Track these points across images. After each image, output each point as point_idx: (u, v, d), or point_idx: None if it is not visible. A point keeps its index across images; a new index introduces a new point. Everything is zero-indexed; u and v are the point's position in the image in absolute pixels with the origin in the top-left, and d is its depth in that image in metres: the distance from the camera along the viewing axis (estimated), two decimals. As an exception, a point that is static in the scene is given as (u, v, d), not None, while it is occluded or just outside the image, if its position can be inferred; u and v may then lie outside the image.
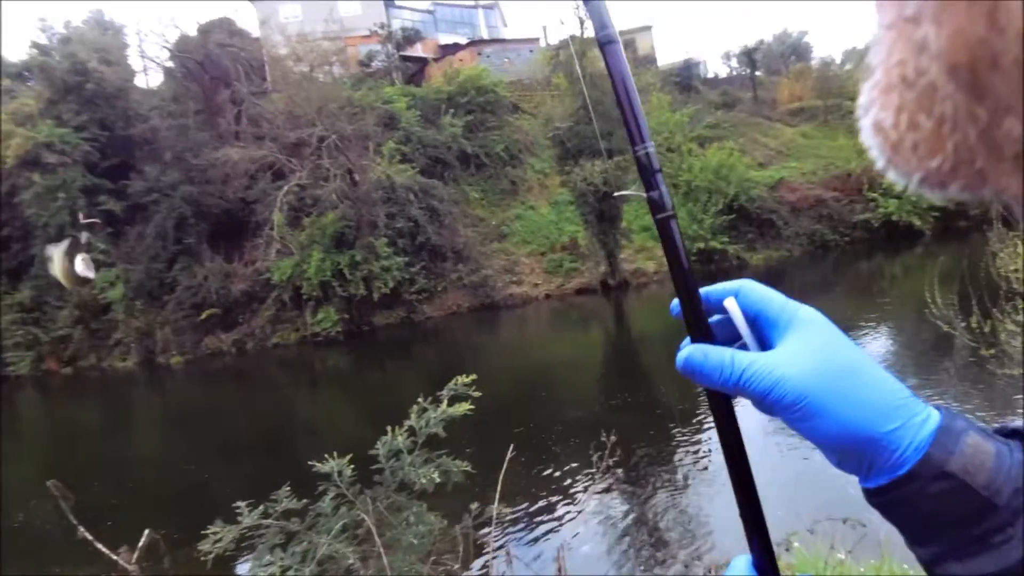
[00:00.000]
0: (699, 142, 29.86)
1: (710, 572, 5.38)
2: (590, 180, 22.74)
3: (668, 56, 41.39)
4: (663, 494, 7.85)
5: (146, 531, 3.25)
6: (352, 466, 3.15)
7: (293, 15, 30.36)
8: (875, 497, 0.44)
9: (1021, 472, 0.40)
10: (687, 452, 8.99)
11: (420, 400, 3.33)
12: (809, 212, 27.92)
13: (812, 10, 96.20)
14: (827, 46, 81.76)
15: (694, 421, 10.06)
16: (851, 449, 0.44)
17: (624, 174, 23.86)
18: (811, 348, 0.46)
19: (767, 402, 0.46)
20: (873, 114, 0.26)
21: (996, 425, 0.44)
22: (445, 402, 3.31)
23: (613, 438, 4.29)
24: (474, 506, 3.65)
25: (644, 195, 0.55)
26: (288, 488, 3.04)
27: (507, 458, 3.77)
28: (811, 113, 34.76)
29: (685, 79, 35.16)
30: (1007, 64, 0.18)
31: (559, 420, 10.92)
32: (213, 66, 26.97)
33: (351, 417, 14.19)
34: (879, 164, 0.27)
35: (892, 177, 0.27)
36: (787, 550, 4.00)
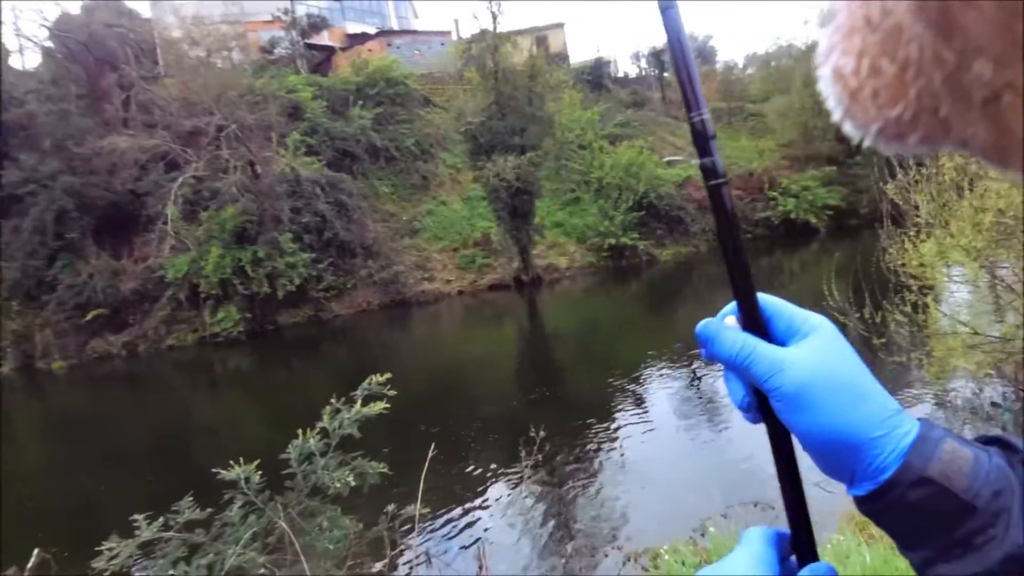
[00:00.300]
0: (610, 140, 30.97)
1: (630, 560, 5.47)
2: (503, 176, 23.11)
3: (580, 54, 43.03)
4: (580, 487, 8.04)
5: (35, 551, 3.15)
6: (260, 472, 3.08)
7: (189, -4, 29.47)
8: (864, 505, 0.48)
9: (999, 476, 0.43)
10: (602, 445, 9.24)
11: (333, 401, 3.31)
12: None
13: (716, 16, 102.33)
14: (730, 51, 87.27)
15: (608, 415, 10.37)
16: (836, 452, 0.48)
17: (536, 170, 24.54)
18: (817, 350, 0.50)
19: (767, 386, 0.50)
20: (833, 60, 0.25)
21: (977, 435, 0.48)
22: (359, 402, 3.33)
23: (543, 433, 4.43)
24: (390, 507, 3.60)
25: (695, 161, 0.56)
26: (191, 498, 2.94)
27: (428, 457, 3.76)
28: (715, 115, 36.27)
29: (596, 77, 36.21)
30: None
31: (476, 417, 11.02)
32: (98, 47, 25.62)
33: (256, 421, 13.89)
34: (836, 115, 0.26)
35: (848, 129, 0.26)
36: (703, 535, 4.13)
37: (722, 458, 8.41)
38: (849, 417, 0.47)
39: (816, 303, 13.71)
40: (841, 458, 0.48)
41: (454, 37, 35.04)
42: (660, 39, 52.01)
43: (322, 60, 33.88)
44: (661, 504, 7.17)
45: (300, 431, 3.22)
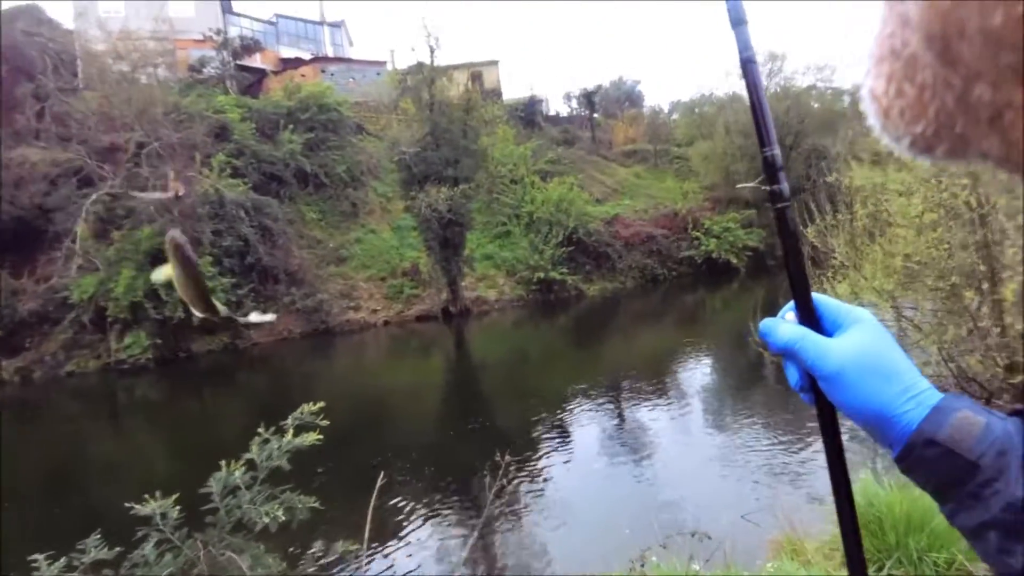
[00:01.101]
0: (541, 176, 31.82)
1: None
2: (435, 206, 23.35)
3: (514, 92, 44.32)
4: (514, 522, 7.94)
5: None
6: (178, 507, 2.94)
7: (115, 11, 28.72)
8: (899, 464, 0.57)
9: (1006, 439, 0.51)
10: (535, 479, 9.16)
11: (261, 430, 3.21)
12: (641, 247, 30.70)
13: (644, 63, 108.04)
14: (657, 96, 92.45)
15: (538, 448, 10.32)
16: (872, 423, 0.58)
17: (468, 202, 24.91)
18: (855, 339, 0.61)
19: (814, 370, 0.62)
20: (869, 82, 0.28)
21: (1011, 408, 0.56)
22: (291, 432, 3.22)
23: (508, 457, 4.41)
24: (316, 544, 3.56)
25: (767, 187, 0.68)
26: (98, 536, 2.76)
27: (377, 485, 3.72)
28: (643, 156, 38.38)
29: (529, 115, 37.21)
30: (971, 32, 0.20)
31: (404, 448, 10.79)
32: (15, 55, 24.51)
33: (166, 454, 13.24)
34: (875, 129, 0.29)
35: (886, 141, 0.29)
36: (642, 565, 4.16)
37: (656, 488, 8.56)
38: (880, 395, 0.57)
39: (736, 338, 14.34)
40: (878, 427, 0.58)
41: (389, 67, 35.34)
42: (591, 81, 54.55)
43: (253, 82, 33.49)
44: (599, 537, 7.12)
45: (224, 463, 3.09)
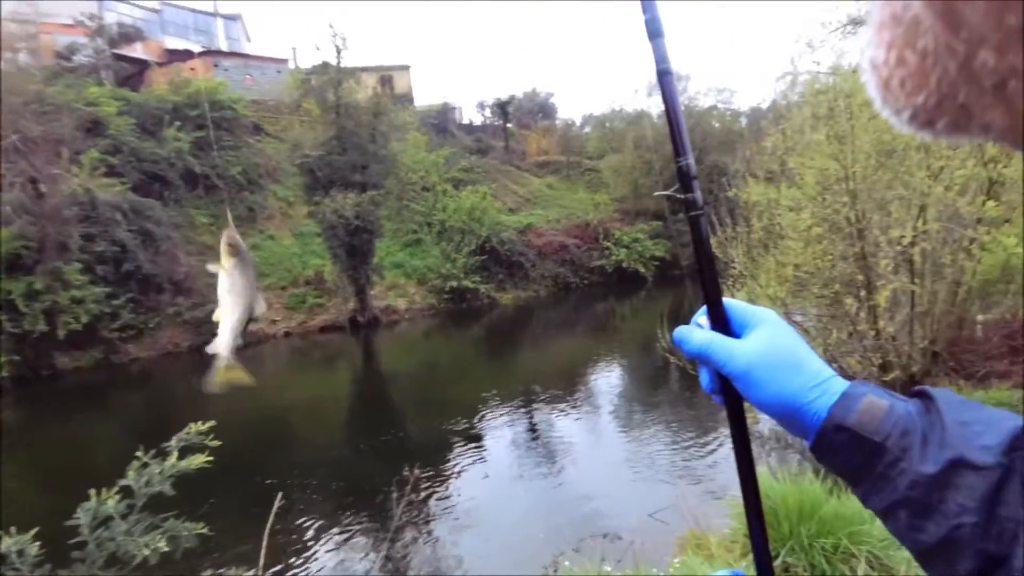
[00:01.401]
0: (454, 184, 31.46)
1: None
2: (341, 213, 22.34)
3: (426, 98, 43.74)
4: (427, 533, 7.90)
5: None
6: (38, 543, 2.64)
7: (-34, -12, 25.65)
8: (814, 454, 0.59)
9: (907, 419, 0.54)
10: (447, 489, 9.16)
11: (140, 454, 2.92)
12: (553, 256, 30.96)
13: (558, 76, 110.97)
14: (569, 109, 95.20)
15: (450, 458, 10.34)
16: (784, 416, 0.61)
17: (377, 208, 24.05)
18: (761, 338, 0.63)
19: (726, 370, 0.64)
20: (869, 53, 0.27)
21: (910, 391, 0.58)
22: (175, 454, 2.99)
23: (417, 471, 4.34)
24: (206, 574, 3.37)
25: (681, 196, 0.70)
26: None
27: (274, 509, 3.58)
28: (555, 167, 38.73)
29: (442, 122, 36.71)
30: None
31: (310, 466, 10.41)
32: None
33: (28, 485, 11.34)
34: (876, 103, 0.28)
35: (886, 115, 0.28)
36: (556, 570, 4.30)
37: (568, 493, 8.64)
38: (787, 388, 0.60)
39: (644, 344, 14.73)
40: (790, 419, 0.61)
41: (291, 66, 33.95)
42: (505, 91, 54.90)
43: (133, 74, 30.80)
44: (513, 544, 7.21)
45: (94, 492, 2.76)
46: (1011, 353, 8.48)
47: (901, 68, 0.25)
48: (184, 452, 2.99)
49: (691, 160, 0.70)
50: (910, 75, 0.25)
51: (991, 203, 7.58)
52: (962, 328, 9.30)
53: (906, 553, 2.44)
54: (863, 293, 8.27)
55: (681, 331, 0.69)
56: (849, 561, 3.85)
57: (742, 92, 47.53)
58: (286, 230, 27.23)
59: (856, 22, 19.45)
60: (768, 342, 0.63)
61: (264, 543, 3.39)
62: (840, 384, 0.59)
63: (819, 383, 0.59)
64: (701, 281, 0.69)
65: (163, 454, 2.97)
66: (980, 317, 9.50)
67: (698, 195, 0.70)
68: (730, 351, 0.64)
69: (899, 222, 7.97)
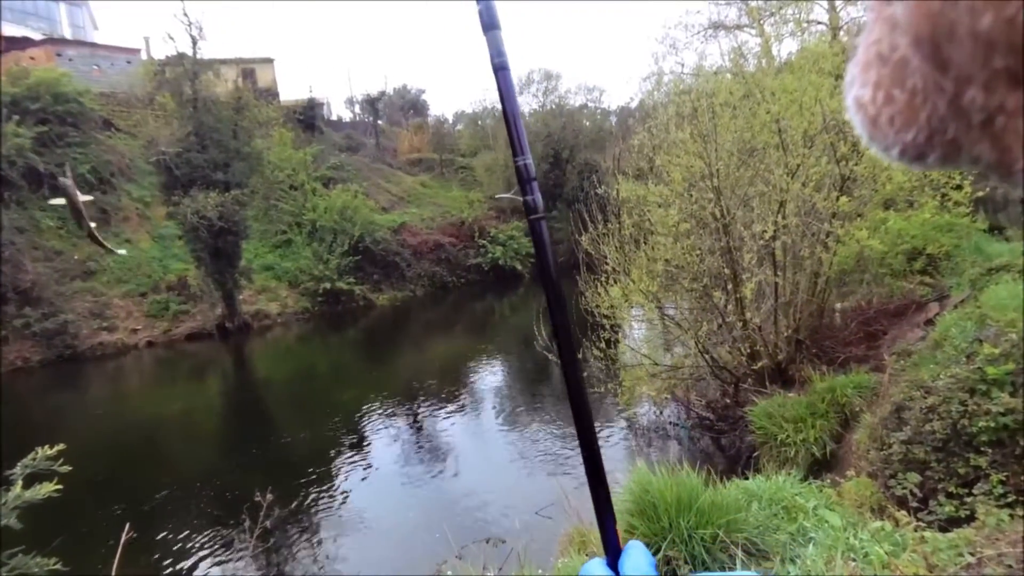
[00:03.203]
0: (323, 182, 31.52)
1: None
2: (203, 214, 22.02)
3: (291, 92, 43.19)
4: (306, 547, 7.97)
5: None
6: None
7: None
8: None
9: None
10: (326, 500, 9.27)
11: None
12: (429, 255, 31.75)
13: (429, 72, 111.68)
14: (441, 106, 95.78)
15: (329, 467, 10.43)
16: None
17: (242, 209, 23.83)
18: None
19: None
20: (854, 91, 0.28)
21: None
22: (19, 484, 2.81)
23: (270, 496, 4.21)
24: None
25: (520, 198, 0.69)
26: None
27: (122, 541, 3.18)
28: (428, 164, 39.55)
29: (309, 118, 36.50)
30: (962, 35, 0.21)
31: (177, 487, 10.19)
32: None
33: None
34: (863, 139, 0.29)
35: (875, 151, 0.29)
36: None
37: (450, 499, 8.84)
38: None
39: (524, 342, 15.25)
40: None
41: (144, 56, 32.41)
42: (375, 87, 55.07)
43: (-39, 62, 28.65)
44: (394, 553, 7.24)
45: None
46: (867, 338, 8.92)
47: (889, 106, 0.26)
48: (29, 481, 2.83)
49: (529, 160, 0.67)
50: (899, 112, 0.26)
51: (844, 199, 7.89)
52: (822, 317, 9.55)
53: (781, 536, 4.03)
54: (730, 286, 8.63)
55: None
56: (728, 549, 3.95)
57: (611, 91, 50.79)
58: (144, 232, 26.41)
59: (716, 26, 21.55)
60: None
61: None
62: None
63: None
64: (544, 289, 0.68)
65: (6, 483, 2.80)
66: (838, 305, 9.86)
67: (538, 197, 0.67)
68: None
69: (761, 217, 8.29)
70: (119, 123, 28.76)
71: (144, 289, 24.54)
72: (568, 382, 0.72)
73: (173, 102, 25.19)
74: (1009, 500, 4.09)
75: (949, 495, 4.52)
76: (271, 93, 35.50)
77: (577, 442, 0.73)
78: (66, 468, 2.91)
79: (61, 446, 2.95)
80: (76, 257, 23.89)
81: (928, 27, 0.23)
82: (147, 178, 26.99)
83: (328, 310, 27.45)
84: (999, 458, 4.42)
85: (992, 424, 4.46)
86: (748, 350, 8.84)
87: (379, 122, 41.61)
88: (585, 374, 9.73)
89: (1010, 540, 2.85)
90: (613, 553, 0.70)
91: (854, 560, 3.06)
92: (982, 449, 4.52)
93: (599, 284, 10.03)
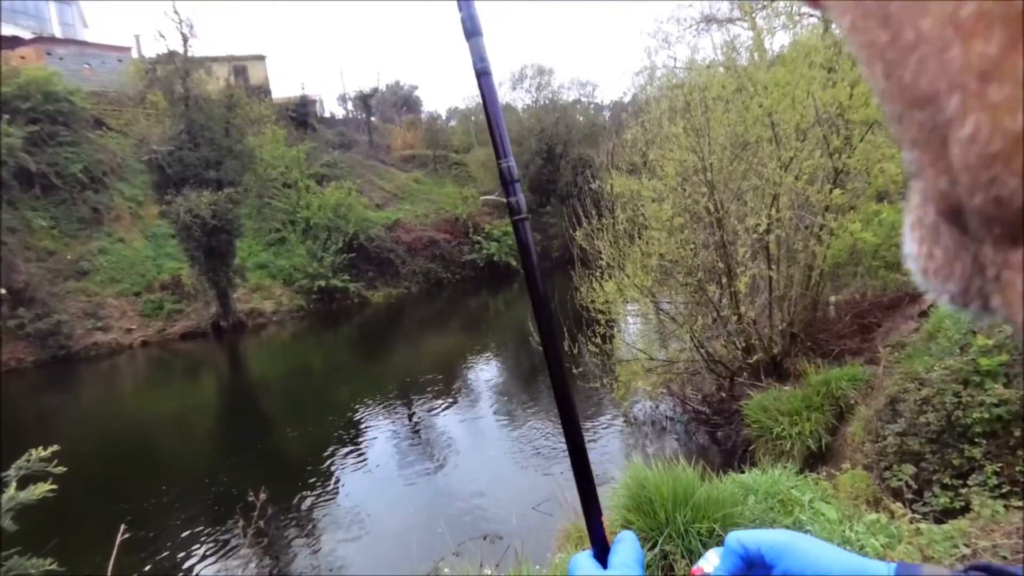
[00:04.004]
0: (317, 180, 31.44)
1: None
2: (196, 212, 22.01)
3: (283, 90, 43.23)
4: (303, 546, 7.91)
5: None
6: None
7: None
8: None
9: None
10: (323, 499, 9.23)
11: None
12: (424, 252, 31.73)
13: (421, 68, 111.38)
14: (434, 102, 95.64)
15: (326, 466, 10.40)
16: None
17: (236, 207, 23.80)
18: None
19: None
20: (907, 245, 0.31)
21: (969, 564, 0.58)
22: (13, 485, 2.81)
23: (263, 496, 4.24)
24: None
25: (504, 200, 0.69)
26: None
27: (117, 541, 3.18)
28: (422, 161, 39.46)
29: (301, 115, 36.33)
30: (968, 210, 0.23)
31: (174, 487, 10.19)
32: None
33: None
34: (920, 286, 0.31)
35: (931, 297, 0.31)
36: None
37: (446, 496, 8.86)
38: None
39: (519, 338, 15.68)
40: None
41: (135, 55, 32.23)
42: (367, 84, 54.96)
43: (-50, 62, 28.40)
44: (391, 553, 7.19)
45: None
46: (861, 331, 9.07)
47: (932, 261, 0.29)
48: (23, 482, 2.85)
49: (512, 162, 0.68)
50: (940, 267, 0.28)
51: (837, 192, 7.95)
52: (816, 310, 9.65)
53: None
54: (724, 280, 8.70)
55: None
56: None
57: (604, 86, 50.78)
58: (137, 232, 26.34)
59: (708, 19, 21.48)
60: None
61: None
62: (890, 568, 0.58)
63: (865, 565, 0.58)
64: (528, 285, 0.69)
65: (1, 485, 2.82)
66: (832, 298, 9.91)
67: (521, 198, 0.69)
68: None
69: (754, 211, 8.32)
70: (110, 122, 28.63)
71: (138, 288, 24.49)
72: (553, 379, 0.72)
73: (164, 100, 25.17)
74: (1004, 491, 4.11)
75: (944, 486, 4.54)
76: (263, 90, 35.40)
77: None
78: (60, 469, 2.91)
79: (55, 447, 2.95)
80: (69, 257, 23.82)
81: (944, 203, 0.25)
82: (139, 177, 26.90)
83: (323, 308, 27.41)
84: (993, 449, 4.44)
85: (986, 415, 4.48)
86: (743, 344, 8.84)
87: (372, 119, 41.46)
88: (580, 370, 9.89)
89: (1005, 531, 2.86)
90: (600, 545, 0.70)
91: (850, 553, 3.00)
92: (976, 440, 4.54)
93: (594, 279, 10.00)
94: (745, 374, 8.92)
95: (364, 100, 40.83)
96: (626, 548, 0.68)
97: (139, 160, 25.33)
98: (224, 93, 26.26)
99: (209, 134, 25.05)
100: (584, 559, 0.70)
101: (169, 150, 23.88)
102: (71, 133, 26.00)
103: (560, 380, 0.72)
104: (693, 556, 3.94)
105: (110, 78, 30.24)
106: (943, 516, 4.10)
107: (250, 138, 27.48)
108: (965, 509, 4.01)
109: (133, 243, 25.98)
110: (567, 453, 0.73)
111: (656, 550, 3.98)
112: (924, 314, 8.01)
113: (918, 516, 3.91)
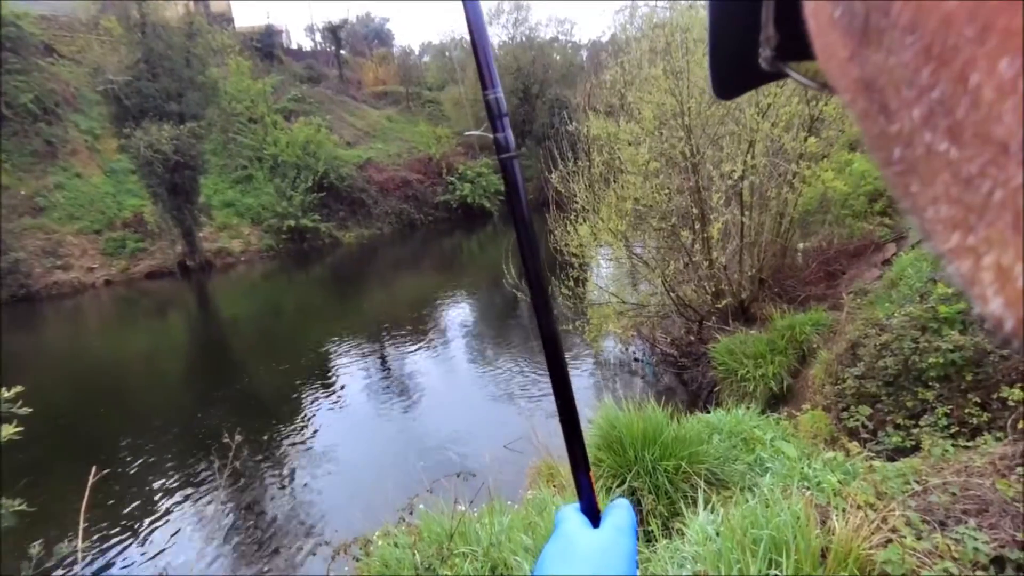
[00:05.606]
0: (284, 115, 30.65)
1: (340, 553, 5.07)
2: (157, 147, 21.31)
3: (247, 19, 41.43)
4: (278, 487, 7.90)
5: None
6: None
7: None
8: None
9: None
10: (296, 439, 9.23)
11: None
12: (396, 193, 31.35)
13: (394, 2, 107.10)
14: (407, 36, 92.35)
15: (298, 406, 10.42)
16: None
17: (199, 142, 23.14)
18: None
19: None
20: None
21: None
22: None
23: (238, 437, 4.09)
24: (36, 547, 2.89)
25: (490, 135, 0.63)
26: None
27: (89, 483, 3.08)
28: (394, 98, 38.53)
29: (267, 46, 35.08)
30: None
31: (146, 427, 10.09)
32: None
33: None
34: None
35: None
36: (411, 512, 4.20)
37: (419, 434, 8.94)
38: None
39: (493, 280, 15.32)
40: None
41: (86, -24, 30.61)
42: (336, 15, 52.71)
43: None
44: (366, 490, 7.21)
45: None
46: (827, 278, 9.26)
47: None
48: None
49: (500, 94, 0.62)
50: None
51: (812, 139, 7.99)
52: (785, 256, 9.75)
53: (739, 467, 4.28)
54: (697, 225, 8.74)
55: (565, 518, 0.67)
56: (690, 479, 4.13)
57: (583, 24, 49.27)
58: (95, 166, 25.44)
59: None
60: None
61: (82, 517, 2.90)
62: None
63: None
64: (516, 226, 0.65)
65: None
66: (800, 245, 9.99)
67: (509, 134, 0.63)
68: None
69: (730, 157, 8.25)
70: (62, 49, 27.17)
71: (99, 226, 23.85)
72: (542, 331, 0.68)
73: (120, 27, 23.97)
74: (952, 431, 4.33)
75: (897, 426, 4.76)
76: (225, 19, 33.98)
77: (545, 375, 0.71)
78: (26, 410, 2.88)
79: (19, 388, 2.91)
80: (23, 192, 22.97)
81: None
82: (95, 108, 25.87)
83: (293, 248, 27.14)
84: (945, 392, 4.65)
85: (941, 360, 4.67)
86: (713, 289, 9.03)
87: (342, 52, 40.10)
88: (555, 312, 9.95)
89: (954, 469, 3.02)
90: (587, 501, 0.68)
91: (808, 488, 3.21)
92: (930, 384, 4.75)
93: (568, 222, 10.06)
94: (714, 318, 9.13)
95: (333, 32, 39.38)
96: (621, 513, 0.66)
97: (94, 91, 24.31)
98: (183, 20, 25.19)
99: (169, 64, 24.03)
100: (572, 513, 0.67)
101: (127, 80, 23.00)
102: (20, 60, 24.63)
103: (550, 331, 0.68)
104: (659, 492, 4.10)
105: (60, 2, 28.49)
106: (895, 454, 4.30)
107: (213, 69, 26.57)
108: (916, 448, 4.21)
109: (91, 179, 25.12)
110: (547, 393, 0.76)
111: (624, 486, 4.13)
112: (887, 262, 8.27)
113: (872, 454, 4.10)
